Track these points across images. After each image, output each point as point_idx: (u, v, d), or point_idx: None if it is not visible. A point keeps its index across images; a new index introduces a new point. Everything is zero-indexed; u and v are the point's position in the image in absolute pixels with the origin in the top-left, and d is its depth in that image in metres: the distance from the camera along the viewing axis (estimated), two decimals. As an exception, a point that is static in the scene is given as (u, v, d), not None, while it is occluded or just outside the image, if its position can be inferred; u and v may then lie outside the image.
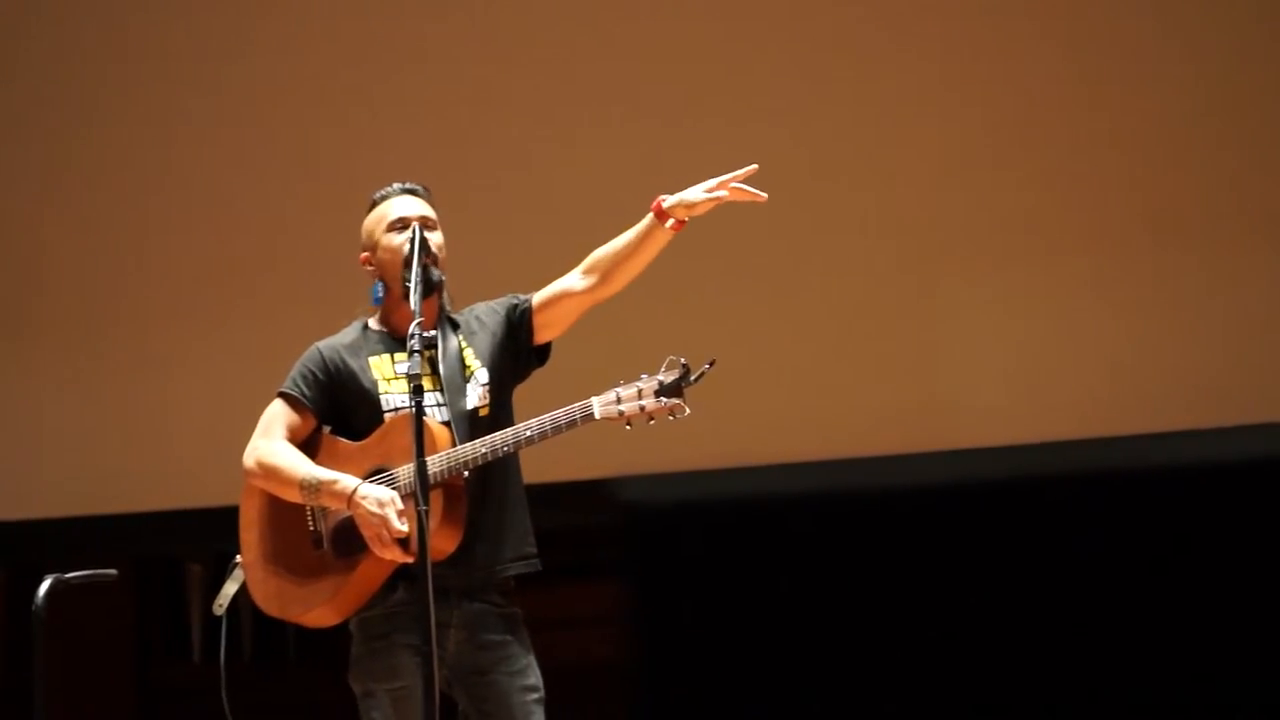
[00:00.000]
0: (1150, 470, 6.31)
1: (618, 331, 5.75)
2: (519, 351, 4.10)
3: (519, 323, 4.10)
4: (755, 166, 3.99)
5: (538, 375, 4.15)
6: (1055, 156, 6.34)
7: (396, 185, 4.17)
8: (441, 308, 4.12)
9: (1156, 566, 6.26)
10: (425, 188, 4.19)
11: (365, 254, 4.14)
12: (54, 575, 4.45)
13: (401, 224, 4.07)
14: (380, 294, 4.11)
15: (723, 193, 3.98)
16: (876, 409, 6.33)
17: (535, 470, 4.17)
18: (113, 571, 4.63)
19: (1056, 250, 6.33)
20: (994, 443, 6.35)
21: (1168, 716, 6.23)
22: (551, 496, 4.60)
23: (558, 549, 4.15)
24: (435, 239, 4.08)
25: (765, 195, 4.00)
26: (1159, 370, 6.23)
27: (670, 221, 3.98)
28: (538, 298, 4.10)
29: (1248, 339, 6.22)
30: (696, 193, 3.98)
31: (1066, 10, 6.37)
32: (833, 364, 6.37)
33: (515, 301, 4.13)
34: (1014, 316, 6.36)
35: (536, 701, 4.02)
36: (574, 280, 4.08)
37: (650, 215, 4.01)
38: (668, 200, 3.99)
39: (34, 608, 4.40)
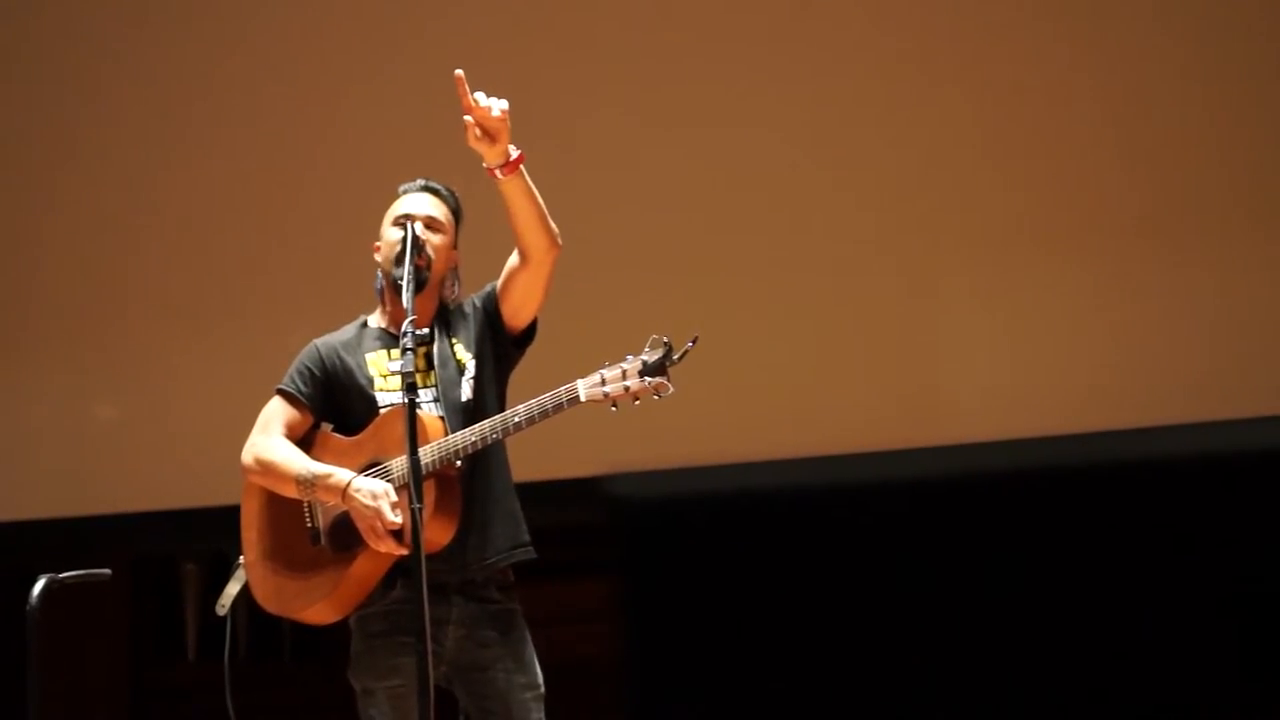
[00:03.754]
0: (1145, 464, 6.31)
1: (611, 327, 5.77)
2: (497, 339, 4.13)
3: (493, 310, 4.13)
4: (460, 72, 3.89)
5: (530, 363, 4.16)
6: (1050, 153, 6.34)
7: (419, 181, 4.19)
8: (442, 304, 4.15)
9: (1153, 560, 6.27)
10: (450, 189, 4.20)
11: (377, 244, 4.16)
12: (48, 575, 4.45)
13: (404, 219, 4.09)
14: (380, 284, 4.13)
15: (468, 118, 3.89)
16: (870, 404, 6.34)
17: (525, 467, 4.18)
18: (107, 571, 4.63)
19: (1051, 246, 6.34)
20: (988, 438, 6.35)
21: (1165, 711, 6.24)
22: (541, 493, 4.60)
23: (548, 546, 4.16)
24: (434, 240, 4.09)
25: (503, 101, 3.90)
26: (1154, 364, 6.24)
27: (498, 175, 3.94)
28: (498, 283, 4.13)
29: (1242, 333, 6.23)
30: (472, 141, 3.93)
31: (1064, 8, 6.38)
32: (826, 360, 6.38)
33: (488, 290, 4.16)
34: (1008, 312, 6.36)
35: (535, 699, 4.04)
36: (513, 257, 4.09)
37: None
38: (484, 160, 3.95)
39: (28, 608, 4.40)
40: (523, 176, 3.96)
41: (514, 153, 3.94)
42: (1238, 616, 6.23)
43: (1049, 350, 6.30)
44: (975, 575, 6.35)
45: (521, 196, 3.98)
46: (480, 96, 3.91)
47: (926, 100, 6.38)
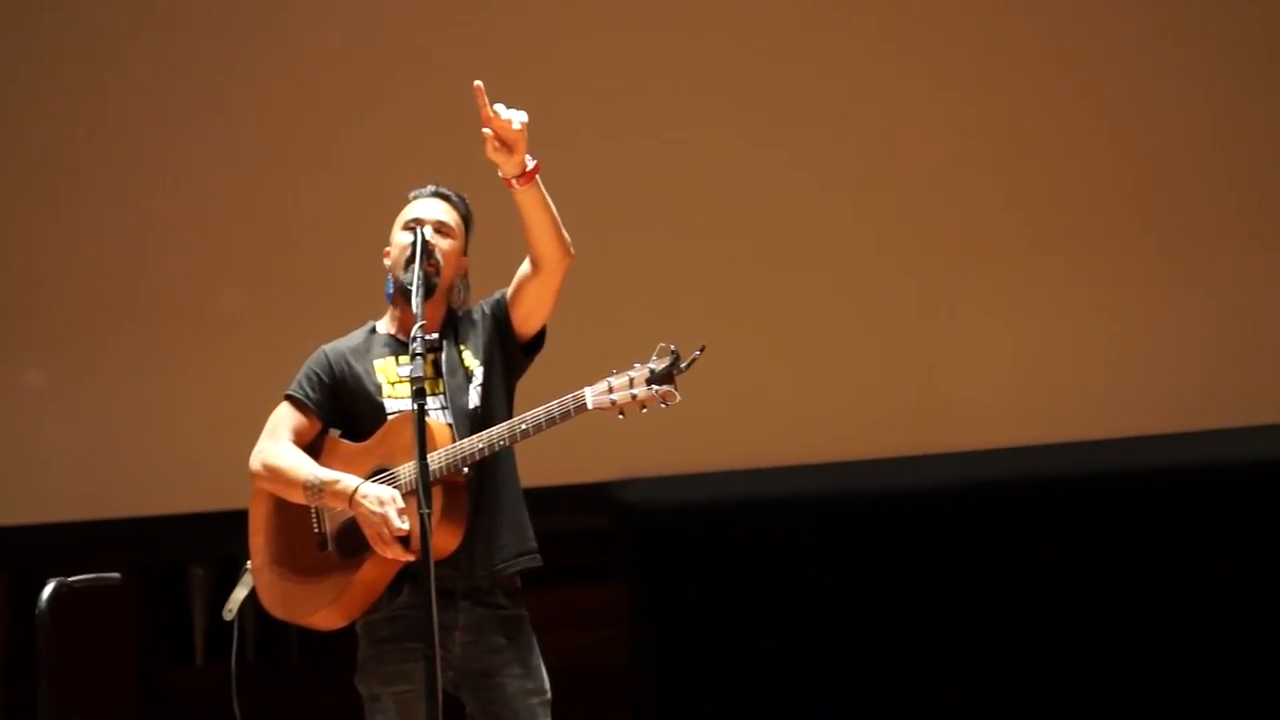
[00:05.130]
0: (1150, 472, 6.32)
1: (619, 335, 5.77)
2: (506, 346, 4.13)
3: (502, 317, 4.13)
4: (479, 83, 3.89)
5: (538, 370, 4.16)
6: (1056, 159, 6.35)
7: (430, 187, 4.20)
8: (450, 310, 4.15)
9: (1157, 567, 6.27)
10: (461, 195, 4.21)
11: (387, 248, 4.17)
12: (57, 579, 4.45)
13: (414, 223, 4.10)
14: (391, 289, 4.14)
15: (487, 130, 3.90)
16: (877, 411, 6.34)
17: (536, 473, 4.18)
18: (116, 575, 4.64)
19: (1057, 252, 6.34)
20: (994, 445, 6.35)
21: (1166, 715, 6.24)
22: (552, 500, 4.60)
23: (558, 552, 4.16)
24: (443, 245, 4.10)
25: (522, 114, 3.89)
26: (1159, 372, 6.24)
27: (515, 185, 3.94)
28: (508, 291, 4.14)
29: (1247, 341, 6.23)
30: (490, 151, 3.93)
31: (1068, 13, 6.38)
32: (834, 367, 6.38)
33: (497, 296, 4.16)
34: (1015, 319, 6.37)
35: (542, 704, 4.04)
36: (524, 265, 4.09)
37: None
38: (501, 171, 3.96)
39: (38, 611, 4.40)
40: (538, 186, 3.96)
41: (530, 163, 3.94)
42: (1241, 619, 6.24)
43: (1056, 357, 6.30)
44: (982, 580, 6.36)
45: (537, 207, 3.98)
46: (500, 108, 3.91)
47: (933, 108, 6.38)
